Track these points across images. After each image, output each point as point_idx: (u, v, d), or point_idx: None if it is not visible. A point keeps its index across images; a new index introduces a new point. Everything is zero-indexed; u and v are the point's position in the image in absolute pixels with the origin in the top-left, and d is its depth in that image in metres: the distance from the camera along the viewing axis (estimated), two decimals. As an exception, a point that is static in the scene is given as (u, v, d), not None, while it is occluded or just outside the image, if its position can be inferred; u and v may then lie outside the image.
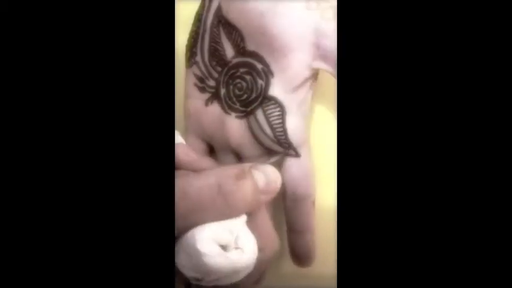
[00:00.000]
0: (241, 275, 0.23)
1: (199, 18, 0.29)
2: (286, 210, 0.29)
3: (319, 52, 0.26)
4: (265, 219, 0.24)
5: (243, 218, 0.23)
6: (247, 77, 0.27)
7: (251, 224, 0.23)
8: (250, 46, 0.27)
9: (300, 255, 0.29)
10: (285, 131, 0.27)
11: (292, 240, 0.29)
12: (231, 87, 0.28)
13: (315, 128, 0.30)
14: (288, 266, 0.31)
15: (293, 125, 0.27)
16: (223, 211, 0.22)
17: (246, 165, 0.24)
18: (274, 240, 0.24)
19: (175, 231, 0.21)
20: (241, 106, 0.28)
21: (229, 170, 0.23)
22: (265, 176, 0.24)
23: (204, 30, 0.28)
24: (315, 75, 0.27)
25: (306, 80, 0.27)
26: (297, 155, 0.28)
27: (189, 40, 0.30)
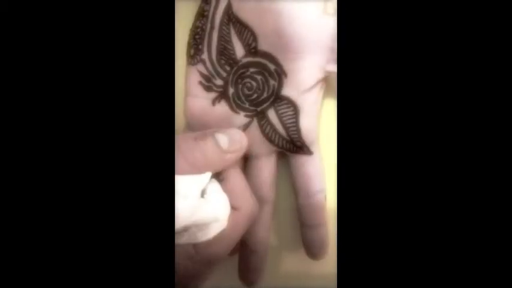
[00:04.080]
0: (212, 230, 0.23)
1: (204, 14, 0.28)
2: (299, 207, 0.29)
3: (334, 56, 0.26)
4: (238, 180, 0.25)
5: (207, 174, 0.23)
6: (258, 77, 0.27)
7: (224, 184, 0.24)
8: (263, 46, 0.27)
9: (315, 248, 0.29)
10: (298, 130, 0.27)
11: (307, 235, 0.29)
12: (240, 86, 0.28)
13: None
14: (288, 266, 0.31)
15: (306, 124, 0.28)
16: (186, 170, 0.23)
17: (209, 130, 0.24)
18: (249, 201, 0.25)
19: None
20: (250, 105, 0.28)
21: (190, 134, 0.24)
22: (228, 136, 0.24)
23: (212, 28, 0.28)
24: (327, 76, 0.28)
25: (318, 81, 0.27)
26: (309, 153, 0.28)
27: (191, 36, 0.29)
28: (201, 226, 0.23)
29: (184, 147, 0.23)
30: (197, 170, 0.23)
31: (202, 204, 0.23)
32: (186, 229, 0.22)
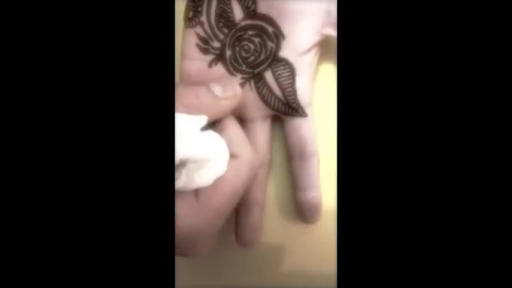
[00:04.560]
0: (210, 172, 0.23)
1: None
2: (293, 170, 0.29)
3: (330, 19, 0.27)
4: (235, 129, 0.25)
5: (204, 117, 0.24)
6: (256, 39, 0.28)
7: (222, 134, 0.24)
8: (262, 9, 0.27)
9: (308, 211, 0.29)
10: (294, 92, 0.28)
11: (301, 198, 0.29)
12: (237, 49, 0.28)
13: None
14: (288, 266, 0.31)
15: (302, 86, 0.28)
16: (181, 111, 0.23)
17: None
18: (248, 149, 0.25)
19: None
20: (247, 68, 0.28)
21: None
22: (222, 85, 0.25)
23: None
24: (322, 40, 0.28)
25: (315, 44, 0.28)
26: (304, 115, 0.29)
27: None
28: (198, 163, 0.22)
29: (179, 92, 0.24)
30: (192, 112, 0.23)
31: (198, 141, 0.23)
32: (182, 164, 0.22)
